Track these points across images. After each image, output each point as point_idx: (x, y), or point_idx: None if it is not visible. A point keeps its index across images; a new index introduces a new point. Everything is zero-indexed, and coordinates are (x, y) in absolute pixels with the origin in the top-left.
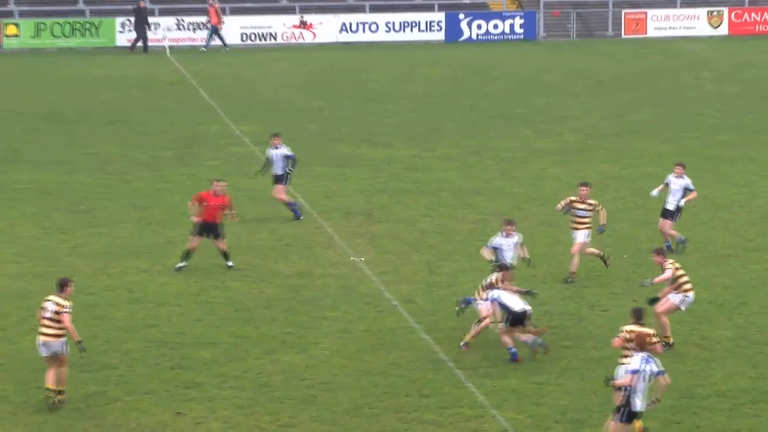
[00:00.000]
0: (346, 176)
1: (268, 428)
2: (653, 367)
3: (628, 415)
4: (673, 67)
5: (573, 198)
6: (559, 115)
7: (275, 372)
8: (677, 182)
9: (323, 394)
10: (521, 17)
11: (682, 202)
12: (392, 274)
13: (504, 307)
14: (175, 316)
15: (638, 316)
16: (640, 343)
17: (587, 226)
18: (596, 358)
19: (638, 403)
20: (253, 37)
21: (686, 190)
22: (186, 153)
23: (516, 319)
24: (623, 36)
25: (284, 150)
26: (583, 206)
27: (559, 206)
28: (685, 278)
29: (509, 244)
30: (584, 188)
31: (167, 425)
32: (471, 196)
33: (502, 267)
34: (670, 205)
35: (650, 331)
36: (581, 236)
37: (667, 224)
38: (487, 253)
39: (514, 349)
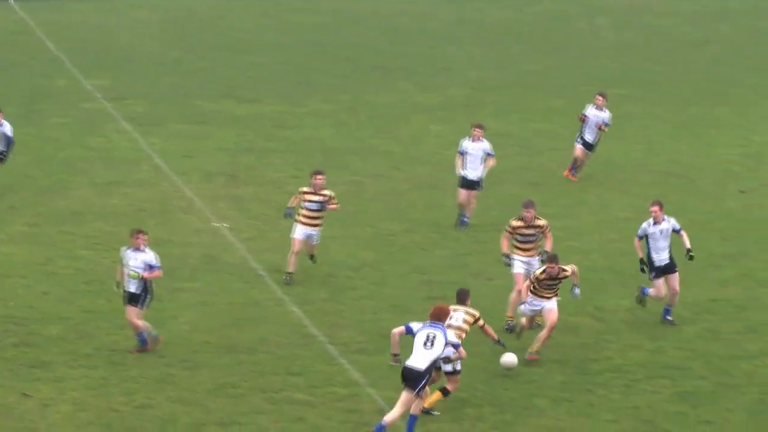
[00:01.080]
0: (207, 134)
1: (123, 410)
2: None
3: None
4: (567, 13)
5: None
6: (442, 66)
7: (129, 349)
8: (476, 147)
9: (182, 372)
10: None
11: (484, 173)
12: (259, 241)
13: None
14: (20, 289)
15: (461, 299)
16: (437, 314)
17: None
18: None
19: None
20: None
21: (486, 155)
22: (31, 110)
23: None
24: None
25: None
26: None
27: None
28: None
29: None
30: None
31: (12, 408)
32: (345, 156)
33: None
34: (472, 174)
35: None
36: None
37: (472, 195)
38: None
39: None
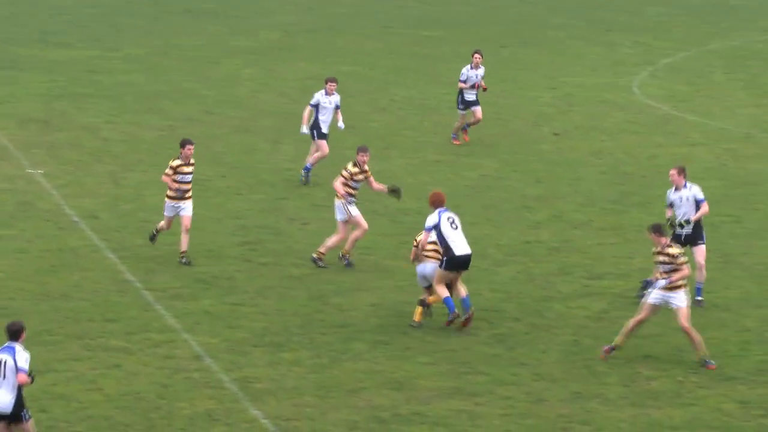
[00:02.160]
0: (18, 80)
1: None
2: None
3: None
4: None
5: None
6: (253, 9)
7: None
8: (331, 100)
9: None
10: None
11: (342, 125)
12: (73, 187)
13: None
14: None
15: None
16: (436, 201)
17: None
18: (296, 276)
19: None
20: None
21: (336, 108)
22: None
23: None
24: None
25: None
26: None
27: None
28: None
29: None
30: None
31: None
32: (157, 100)
33: None
34: (325, 128)
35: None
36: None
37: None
38: None
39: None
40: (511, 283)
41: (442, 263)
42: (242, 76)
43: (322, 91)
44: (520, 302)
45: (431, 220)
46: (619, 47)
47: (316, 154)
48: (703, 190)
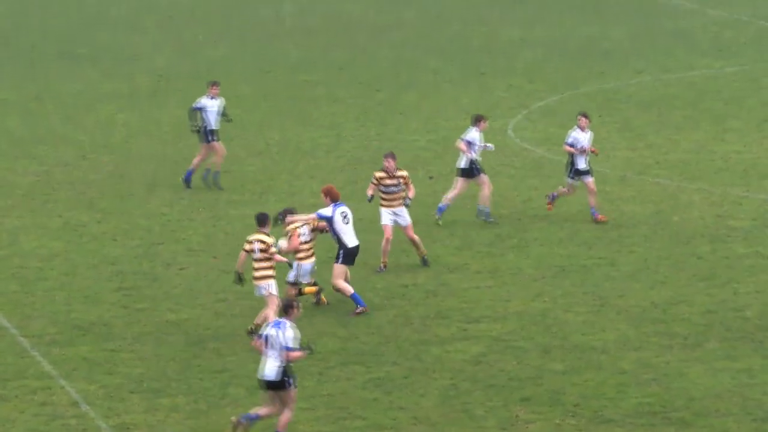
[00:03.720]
0: None
1: None
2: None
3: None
4: (252, 0)
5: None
6: (129, 54)
7: None
8: (214, 103)
9: None
10: None
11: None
12: None
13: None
14: None
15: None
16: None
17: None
18: (174, 321)
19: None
20: None
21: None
22: None
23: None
24: None
25: None
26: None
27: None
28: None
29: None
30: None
31: None
32: (32, 146)
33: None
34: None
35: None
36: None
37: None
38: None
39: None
40: (388, 327)
41: (338, 257)
42: (117, 120)
43: (206, 96)
44: (398, 346)
45: (326, 211)
46: (494, 90)
47: (214, 158)
48: (578, 233)
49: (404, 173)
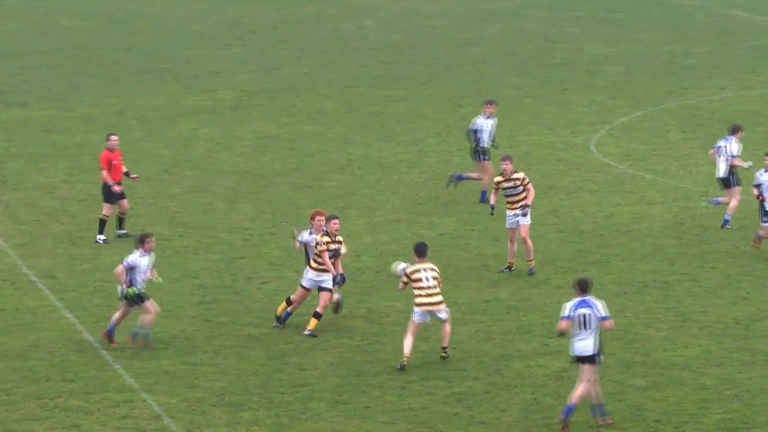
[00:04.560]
0: None
1: None
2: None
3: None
4: (334, 16)
5: (498, 178)
6: (211, 69)
7: None
8: (488, 123)
9: None
10: None
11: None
12: (30, 246)
13: None
14: None
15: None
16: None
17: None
18: (255, 336)
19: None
20: None
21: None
22: None
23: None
24: None
25: None
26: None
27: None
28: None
29: None
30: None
31: None
32: None
33: None
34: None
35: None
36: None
37: None
38: None
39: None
40: (469, 342)
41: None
42: (199, 135)
43: (481, 116)
44: (479, 361)
45: None
46: (575, 106)
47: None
48: (659, 248)
49: (521, 175)
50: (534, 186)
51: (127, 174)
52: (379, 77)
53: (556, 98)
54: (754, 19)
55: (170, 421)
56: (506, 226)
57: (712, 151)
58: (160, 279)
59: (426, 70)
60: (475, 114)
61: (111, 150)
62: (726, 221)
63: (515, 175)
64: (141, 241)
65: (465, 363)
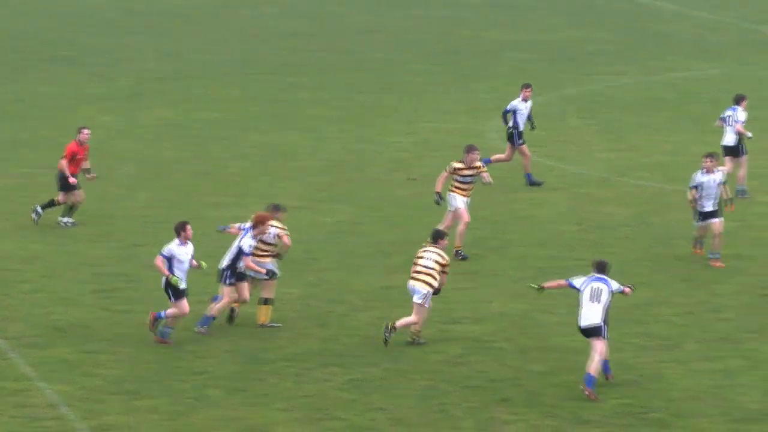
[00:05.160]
0: None
1: None
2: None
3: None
4: (235, 3)
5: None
6: (111, 56)
7: None
8: (527, 105)
9: None
10: None
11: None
12: None
13: None
14: None
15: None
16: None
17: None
18: None
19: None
20: None
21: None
22: None
23: None
24: None
25: None
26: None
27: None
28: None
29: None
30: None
31: None
32: (15, 149)
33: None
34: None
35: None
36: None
37: None
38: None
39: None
40: (368, 328)
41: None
42: (98, 122)
43: (519, 98)
44: (377, 347)
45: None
46: (476, 92)
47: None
48: (558, 234)
49: (478, 163)
50: (434, 173)
51: (87, 171)
52: (280, 64)
53: (456, 85)
54: (654, 5)
55: (67, 409)
56: (457, 206)
57: (718, 122)
58: (204, 264)
59: (327, 57)
60: (376, 102)
61: (81, 144)
62: (743, 191)
63: (476, 164)
64: (179, 230)
65: (362, 349)
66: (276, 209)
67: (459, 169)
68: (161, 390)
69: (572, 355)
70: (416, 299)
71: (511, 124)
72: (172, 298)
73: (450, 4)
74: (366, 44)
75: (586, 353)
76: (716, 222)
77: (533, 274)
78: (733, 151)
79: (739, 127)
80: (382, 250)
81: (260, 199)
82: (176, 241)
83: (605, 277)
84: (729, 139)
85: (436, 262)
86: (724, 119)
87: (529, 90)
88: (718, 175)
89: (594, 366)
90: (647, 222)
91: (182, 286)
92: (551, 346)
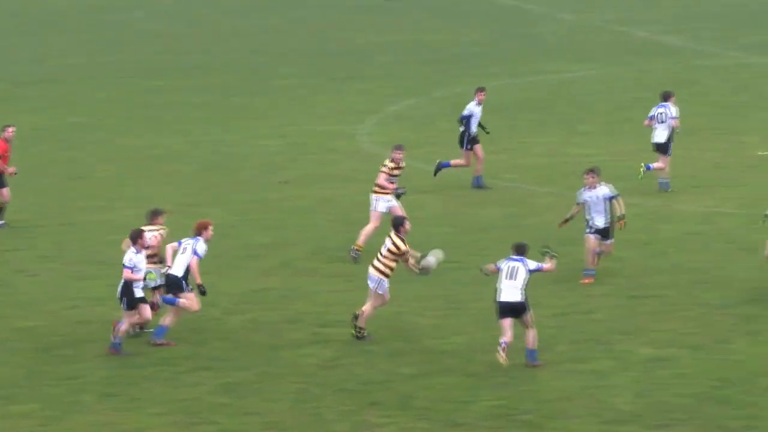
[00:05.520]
0: None
1: None
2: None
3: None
4: (107, 7)
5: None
6: None
7: None
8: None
9: None
10: None
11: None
12: None
13: None
14: None
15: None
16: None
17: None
18: (23, 328)
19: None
20: None
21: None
22: None
23: None
24: None
25: None
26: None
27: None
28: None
29: None
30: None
31: None
32: None
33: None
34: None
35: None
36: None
37: None
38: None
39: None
40: (240, 332)
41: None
42: None
43: (474, 102)
44: (249, 350)
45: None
46: (346, 95)
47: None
48: (431, 237)
49: (403, 163)
50: (307, 175)
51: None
52: (151, 68)
53: (327, 87)
54: (522, 7)
55: None
56: (378, 209)
57: (647, 121)
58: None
59: (199, 60)
60: (247, 105)
61: (7, 141)
62: (666, 185)
63: (402, 164)
64: (135, 238)
65: (235, 353)
66: (155, 214)
67: (392, 168)
68: (34, 395)
69: (444, 358)
70: (370, 285)
71: (462, 128)
72: (127, 307)
73: (321, 6)
74: (237, 47)
75: (458, 356)
76: (608, 243)
77: (405, 276)
78: (664, 149)
79: (675, 122)
80: (254, 254)
81: (131, 203)
82: (132, 249)
83: (523, 257)
84: (660, 136)
85: (389, 249)
86: (653, 117)
87: (483, 93)
88: (602, 190)
89: (531, 339)
90: (518, 224)
91: (140, 294)
92: (423, 348)
